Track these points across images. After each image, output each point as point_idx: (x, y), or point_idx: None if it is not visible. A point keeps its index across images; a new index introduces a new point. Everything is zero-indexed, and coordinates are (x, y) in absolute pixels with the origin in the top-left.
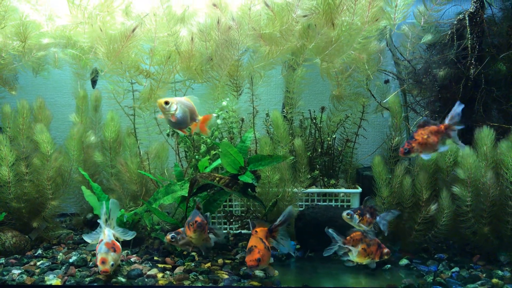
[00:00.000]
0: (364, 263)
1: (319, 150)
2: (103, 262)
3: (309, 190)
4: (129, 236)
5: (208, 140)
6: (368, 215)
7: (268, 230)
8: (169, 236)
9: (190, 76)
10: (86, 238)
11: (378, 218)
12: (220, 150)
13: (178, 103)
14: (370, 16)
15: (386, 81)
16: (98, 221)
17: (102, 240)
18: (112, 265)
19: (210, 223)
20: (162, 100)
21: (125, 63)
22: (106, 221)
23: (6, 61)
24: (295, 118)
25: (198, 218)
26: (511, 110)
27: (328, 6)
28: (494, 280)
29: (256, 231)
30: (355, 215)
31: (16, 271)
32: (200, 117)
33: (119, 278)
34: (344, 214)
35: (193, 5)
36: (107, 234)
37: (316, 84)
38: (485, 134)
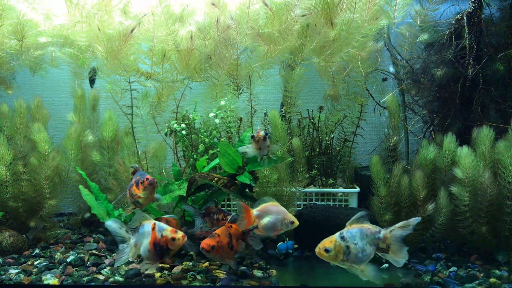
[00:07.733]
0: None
1: (317, 149)
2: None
3: (307, 189)
4: None
5: (206, 140)
6: None
7: (242, 232)
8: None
9: (188, 75)
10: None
11: None
12: (218, 149)
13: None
14: (369, 14)
15: (384, 79)
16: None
17: (155, 224)
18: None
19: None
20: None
21: (124, 63)
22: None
23: (3, 60)
24: (294, 117)
25: (149, 176)
26: (509, 110)
27: (327, 6)
28: (492, 280)
29: (231, 226)
30: None
31: (13, 271)
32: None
33: (116, 277)
34: None
35: (191, 4)
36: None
37: (314, 83)
38: (484, 134)
